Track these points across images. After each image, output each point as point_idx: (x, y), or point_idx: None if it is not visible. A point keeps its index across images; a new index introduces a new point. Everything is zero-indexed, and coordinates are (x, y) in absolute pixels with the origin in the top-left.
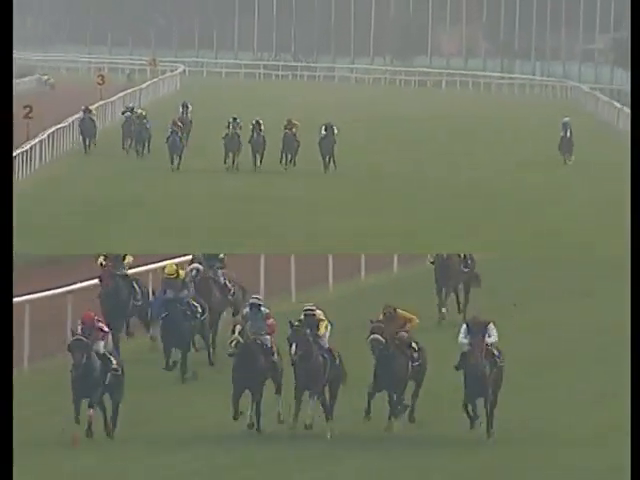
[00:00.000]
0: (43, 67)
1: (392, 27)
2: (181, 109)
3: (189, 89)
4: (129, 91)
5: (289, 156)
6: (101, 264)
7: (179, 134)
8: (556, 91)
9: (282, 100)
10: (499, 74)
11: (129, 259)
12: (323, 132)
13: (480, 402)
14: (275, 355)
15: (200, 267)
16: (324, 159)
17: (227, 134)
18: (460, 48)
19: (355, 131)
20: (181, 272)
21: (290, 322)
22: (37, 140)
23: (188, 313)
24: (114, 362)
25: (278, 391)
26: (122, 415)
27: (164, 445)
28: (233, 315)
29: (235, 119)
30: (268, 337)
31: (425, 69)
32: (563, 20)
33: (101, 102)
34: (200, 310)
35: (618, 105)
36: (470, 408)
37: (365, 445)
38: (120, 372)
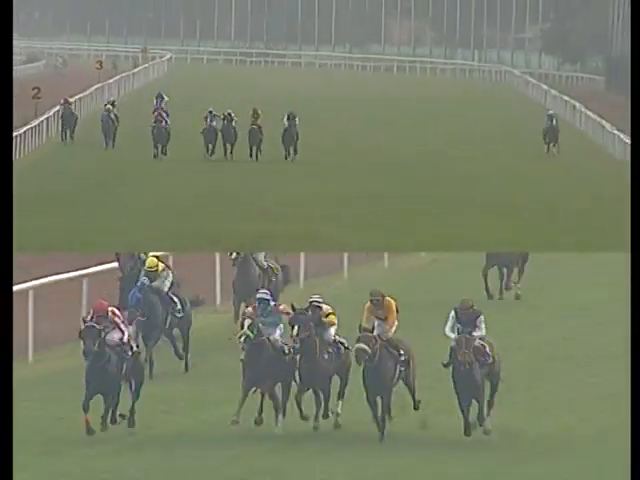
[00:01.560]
0: (49, 54)
1: (351, 19)
2: (155, 101)
3: (175, 73)
4: (124, 74)
5: (254, 148)
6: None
7: (163, 123)
8: (492, 75)
9: (254, 82)
10: (443, 60)
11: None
12: (285, 122)
13: (474, 404)
14: (286, 352)
15: (241, 253)
16: (287, 149)
17: (205, 127)
18: (409, 38)
19: (318, 110)
20: (161, 265)
21: (292, 305)
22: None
23: (164, 304)
24: (132, 349)
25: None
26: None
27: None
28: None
29: (211, 112)
30: (278, 333)
31: (379, 56)
32: (498, 13)
33: (98, 85)
34: (179, 306)
35: (545, 87)
36: (465, 411)
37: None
38: (138, 361)
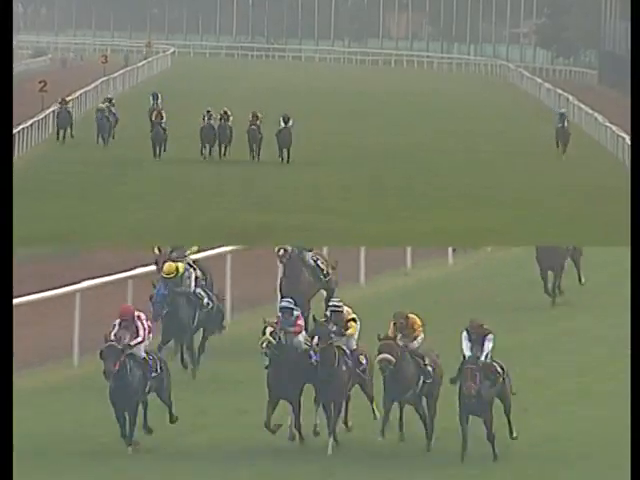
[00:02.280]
0: (56, 49)
1: (349, 14)
2: (151, 100)
3: (179, 67)
4: (129, 68)
5: (254, 149)
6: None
7: (161, 125)
8: (487, 68)
9: (255, 76)
10: (440, 54)
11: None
12: (282, 124)
13: (476, 421)
14: (312, 358)
15: (289, 248)
16: (281, 151)
17: (203, 126)
18: (407, 32)
19: (316, 100)
20: (180, 268)
21: (313, 317)
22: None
23: (190, 304)
24: (157, 364)
25: (317, 400)
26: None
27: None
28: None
29: (209, 111)
30: (301, 338)
31: (377, 50)
32: (493, 8)
33: (104, 78)
34: (207, 300)
35: (539, 80)
36: (462, 428)
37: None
38: (163, 372)
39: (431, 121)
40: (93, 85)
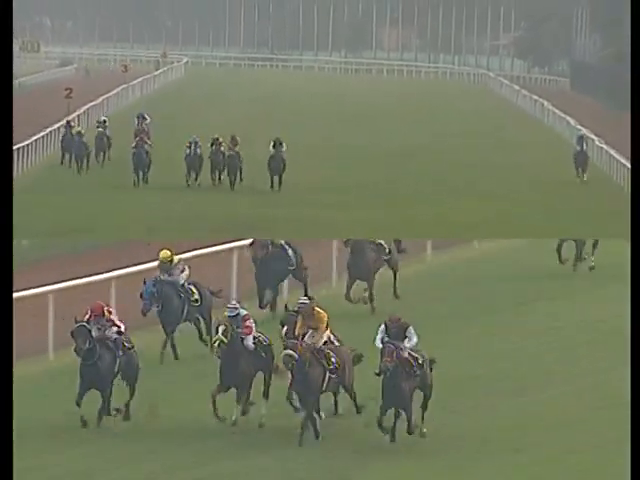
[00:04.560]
0: (80, 59)
1: (346, 28)
2: (136, 120)
3: (192, 75)
4: (147, 76)
5: (232, 177)
6: None
7: (145, 147)
8: (470, 77)
9: (261, 83)
10: (427, 64)
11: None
12: (272, 149)
13: (392, 412)
14: (263, 353)
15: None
16: (272, 177)
17: (188, 154)
18: (397, 44)
19: (316, 105)
20: (175, 258)
21: (285, 306)
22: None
23: (181, 295)
24: (126, 345)
25: (264, 394)
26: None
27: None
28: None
29: (196, 141)
30: (250, 337)
31: (371, 60)
32: (475, 22)
33: (124, 85)
34: (197, 296)
35: (517, 87)
36: (383, 419)
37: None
38: (133, 356)
39: (418, 123)
40: (114, 91)
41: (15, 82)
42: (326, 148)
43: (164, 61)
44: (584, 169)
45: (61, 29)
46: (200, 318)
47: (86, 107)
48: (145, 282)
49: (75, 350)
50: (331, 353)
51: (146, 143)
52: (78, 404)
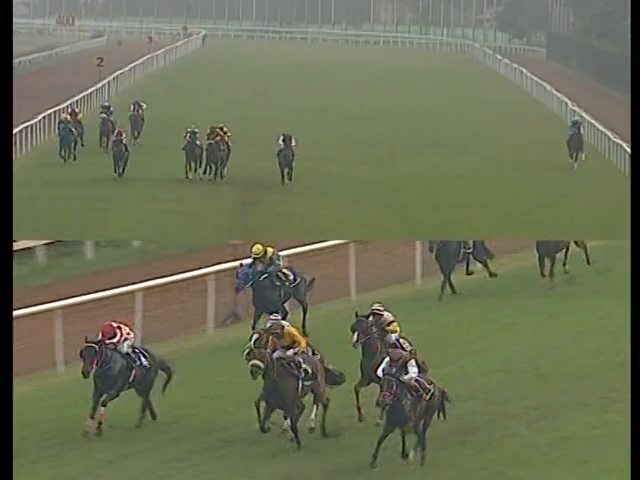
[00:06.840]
0: (110, 32)
1: (347, 3)
2: (132, 107)
3: (209, 46)
4: (168, 47)
5: (213, 167)
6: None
7: (124, 142)
8: (457, 47)
9: (271, 52)
10: (419, 36)
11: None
12: (281, 143)
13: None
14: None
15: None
16: (282, 171)
17: (186, 145)
18: (393, 18)
19: (320, 72)
20: (269, 250)
21: (356, 313)
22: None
23: (277, 283)
24: (142, 360)
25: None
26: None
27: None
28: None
29: (194, 131)
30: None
31: (369, 33)
32: None
33: (149, 55)
34: (292, 277)
35: (499, 57)
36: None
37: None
38: (149, 369)
39: (413, 88)
40: (140, 60)
41: (52, 52)
42: (332, 108)
43: (185, 33)
44: (579, 152)
45: (93, 4)
46: (296, 301)
47: (115, 74)
48: (242, 265)
49: (82, 372)
50: (302, 361)
51: (124, 138)
52: (92, 416)
